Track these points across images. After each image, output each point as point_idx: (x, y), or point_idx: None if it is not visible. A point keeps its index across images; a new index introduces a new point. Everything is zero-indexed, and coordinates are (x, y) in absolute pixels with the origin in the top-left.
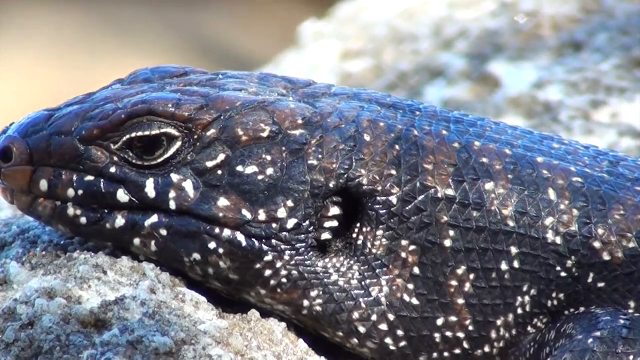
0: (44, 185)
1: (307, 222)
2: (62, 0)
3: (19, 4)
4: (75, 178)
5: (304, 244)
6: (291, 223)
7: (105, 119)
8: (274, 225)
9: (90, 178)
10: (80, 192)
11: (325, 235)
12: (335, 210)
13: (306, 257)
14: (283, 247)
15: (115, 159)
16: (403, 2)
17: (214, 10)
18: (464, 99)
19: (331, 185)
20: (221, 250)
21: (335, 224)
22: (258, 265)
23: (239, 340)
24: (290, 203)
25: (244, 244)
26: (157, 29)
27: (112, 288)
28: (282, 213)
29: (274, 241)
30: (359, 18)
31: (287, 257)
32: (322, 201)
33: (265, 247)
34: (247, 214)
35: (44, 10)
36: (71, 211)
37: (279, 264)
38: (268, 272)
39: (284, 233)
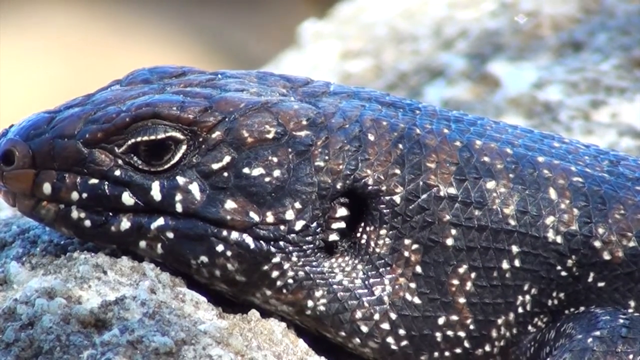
0: (47, 188)
1: (315, 224)
2: None
3: (20, 3)
4: (79, 181)
5: (311, 245)
6: (299, 225)
7: (109, 122)
8: (282, 227)
9: (94, 181)
10: (85, 195)
11: (333, 237)
12: (342, 211)
13: (313, 258)
14: (291, 248)
15: (120, 162)
16: (403, 2)
17: (214, 9)
18: (464, 98)
19: (338, 186)
20: (229, 253)
21: (342, 225)
22: (265, 267)
23: (238, 340)
24: (297, 205)
25: (252, 246)
26: (157, 28)
27: (112, 288)
28: (289, 215)
29: (281, 243)
30: (359, 18)
31: (294, 259)
32: (329, 202)
33: (273, 249)
34: (254, 216)
35: (44, 10)
36: (75, 214)
37: (286, 265)
38: (275, 274)
39: (292, 235)
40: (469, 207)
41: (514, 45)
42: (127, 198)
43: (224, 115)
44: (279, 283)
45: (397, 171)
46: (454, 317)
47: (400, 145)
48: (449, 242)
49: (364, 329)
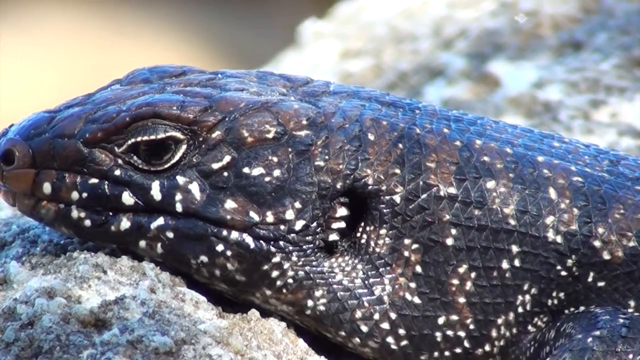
0: (47, 187)
1: (315, 224)
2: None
3: (20, 3)
4: (79, 180)
5: (311, 245)
6: (299, 224)
7: (109, 122)
8: (282, 227)
9: (94, 181)
10: (85, 194)
11: (333, 237)
12: (342, 211)
13: (313, 257)
14: (291, 248)
15: (120, 161)
16: (403, 1)
17: (214, 9)
18: (464, 98)
19: (338, 186)
20: (229, 253)
21: (342, 224)
22: (265, 267)
23: (238, 340)
24: (297, 204)
25: (252, 245)
26: (158, 28)
27: (112, 287)
28: (289, 214)
29: (281, 243)
30: (359, 18)
31: (294, 258)
32: (329, 202)
33: (273, 249)
34: (254, 215)
35: (44, 10)
36: (75, 214)
37: (286, 265)
38: (275, 273)
39: (292, 234)
40: (469, 206)
41: (513, 45)
42: (127, 198)
43: (224, 114)
44: (278, 283)
45: (397, 171)
46: (454, 317)
47: (400, 145)
48: (449, 241)
49: (364, 328)
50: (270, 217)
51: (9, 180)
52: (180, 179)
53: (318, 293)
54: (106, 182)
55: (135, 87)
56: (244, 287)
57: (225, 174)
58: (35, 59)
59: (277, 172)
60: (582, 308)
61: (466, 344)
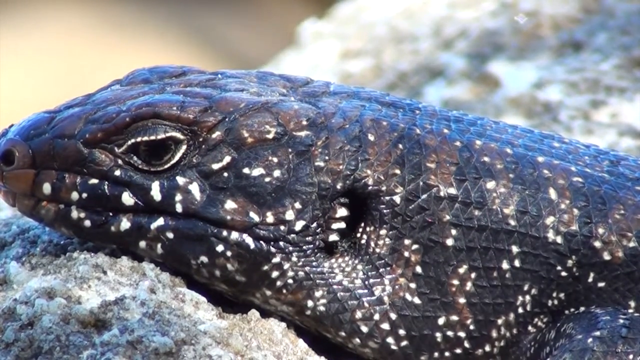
0: (47, 188)
1: (315, 224)
2: None
3: (20, 3)
4: (79, 181)
5: (311, 246)
6: (299, 225)
7: (109, 122)
8: (282, 227)
9: (94, 181)
10: (85, 195)
11: (333, 237)
12: (342, 212)
13: (313, 258)
14: (291, 248)
15: (120, 161)
16: (403, 1)
17: (214, 9)
18: (464, 98)
19: (338, 186)
20: (229, 253)
21: (342, 225)
22: (265, 267)
23: (238, 340)
24: (297, 205)
25: (252, 246)
26: (158, 28)
27: (111, 288)
28: (289, 215)
29: (281, 243)
30: (359, 18)
31: (294, 259)
32: (329, 202)
33: (273, 249)
34: (254, 216)
35: (44, 10)
36: (75, 214)
37: (286, 266)
38: (275, 274)
39: (292, 235)
40: (469, 207)
41: (514, 45)
42: (127, 198)
43: (224, 115)
44: (279, 283)
45: (397, 171)
46: (454, 317)
47: (400, 145)
48: (449, 242)
49: (364, 329)
50: (270, 218)
51: (8, 180)
52: (180, 180)
53: (318, 293)
54: (106, 182)
55: (135, 87)
56: (244, 287)
57: (225, 174)
58: (35, 59)
59: (277, 173)
60: (582, 308)
61: (466, 344)
